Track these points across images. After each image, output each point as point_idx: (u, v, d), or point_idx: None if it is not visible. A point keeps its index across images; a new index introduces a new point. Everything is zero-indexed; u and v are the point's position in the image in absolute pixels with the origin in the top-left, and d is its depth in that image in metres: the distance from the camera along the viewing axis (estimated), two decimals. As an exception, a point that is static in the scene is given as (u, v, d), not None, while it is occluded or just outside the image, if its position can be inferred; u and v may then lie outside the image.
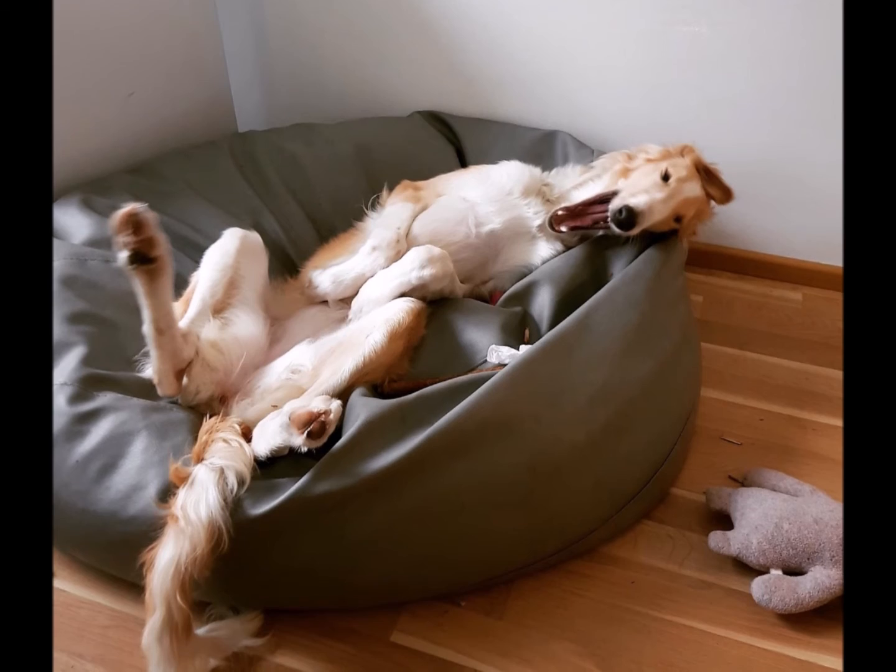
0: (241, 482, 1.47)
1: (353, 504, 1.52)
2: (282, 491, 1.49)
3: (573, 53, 2.66)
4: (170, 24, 2.61)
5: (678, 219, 2.03)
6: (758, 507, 1.75)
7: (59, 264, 1.97)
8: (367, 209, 2.23)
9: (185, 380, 1.69)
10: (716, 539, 1.76)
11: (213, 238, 1.96)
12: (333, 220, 2.46)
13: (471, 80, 2.84)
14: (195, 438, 1.56)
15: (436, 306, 1.99)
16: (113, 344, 1.84)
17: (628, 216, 1.91)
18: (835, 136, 2.46)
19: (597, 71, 2.67)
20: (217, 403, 1.75)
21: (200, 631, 1.48)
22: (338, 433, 1.56)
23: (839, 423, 2.17)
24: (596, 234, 2.10)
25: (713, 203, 2.11)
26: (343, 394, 1.69)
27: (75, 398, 1.66)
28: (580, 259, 2.07)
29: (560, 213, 2.06)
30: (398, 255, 2.00)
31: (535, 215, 2.13)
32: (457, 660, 1.60)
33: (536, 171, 2.24)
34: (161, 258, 1.50)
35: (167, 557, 1.37)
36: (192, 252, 2.11)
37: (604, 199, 2.01)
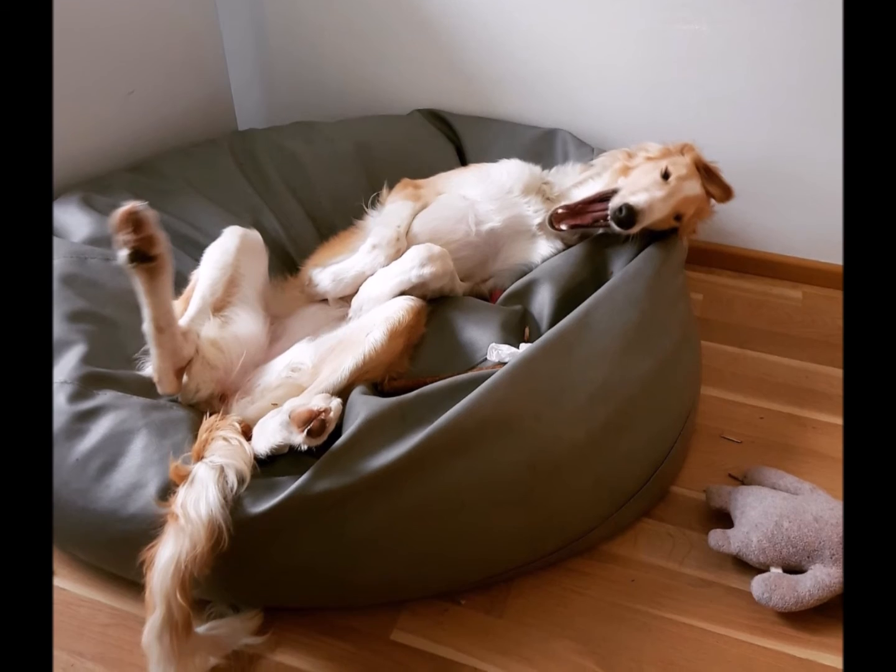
0: (241, 480, 1.47)
1: (353, 502, 1.52)
2: (282, 489, 1.49)
3: (573, 52, 2.66)
4: (170, 23, 2.60)
5: (678, 217, 2.03)
6: (758, 505, 1.75)
7: (59, 263, 1.97)
8: (366, 207, 2.23)
9: (185, 378, 1.69)
10: (716, 537, 1.76)
11: (213, 236, 1.96)
12: (333, 218, 2.46)
13: (471, 79, 2.84)
14: (195, 437, 1.56)
15: (436, 304, 1.98)
16: (113, 342, 1.84)
17: (628, 214, 1.91)
18: (835, 135, 2.46)
19: (597, 69, 2.67)
20: (217, 402, 1.75)
21: (200, 629, 1.48)
22: (338, 431, 1.56)
23: (839, 421, 2.17)
24: (596, 232, 2.10)
25: (713, 201, 2.11)
26: (343, 392, 1.69)
27: (75, 396, 1.66)
28: (580, 257, 2.07)
29: (560, 211, 2.06)
30: (398, 254, 2.00)
31: (535, 213, 2.13)
32: (457, 658, 1.60)
33: (536, 169, 2.24)
34: (161, 256, 1.49)
35: (167, 556, 1.37)
36: (192, 250, 2.11)
37: (604, 198, 2.01)
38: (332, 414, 1.53)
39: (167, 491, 1.49)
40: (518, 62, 2.74)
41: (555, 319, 1.90)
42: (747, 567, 1.74)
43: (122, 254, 1.47)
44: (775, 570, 1.68)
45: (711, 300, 2.69)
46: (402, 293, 1.91)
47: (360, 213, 2.23)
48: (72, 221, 2.18)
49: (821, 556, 1.66)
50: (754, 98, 2.53)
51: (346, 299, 2.00)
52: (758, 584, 1.66)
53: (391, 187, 2.27)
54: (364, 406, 1.60)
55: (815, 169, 2.57)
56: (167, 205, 2.20)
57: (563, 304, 1.95)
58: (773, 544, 1.68)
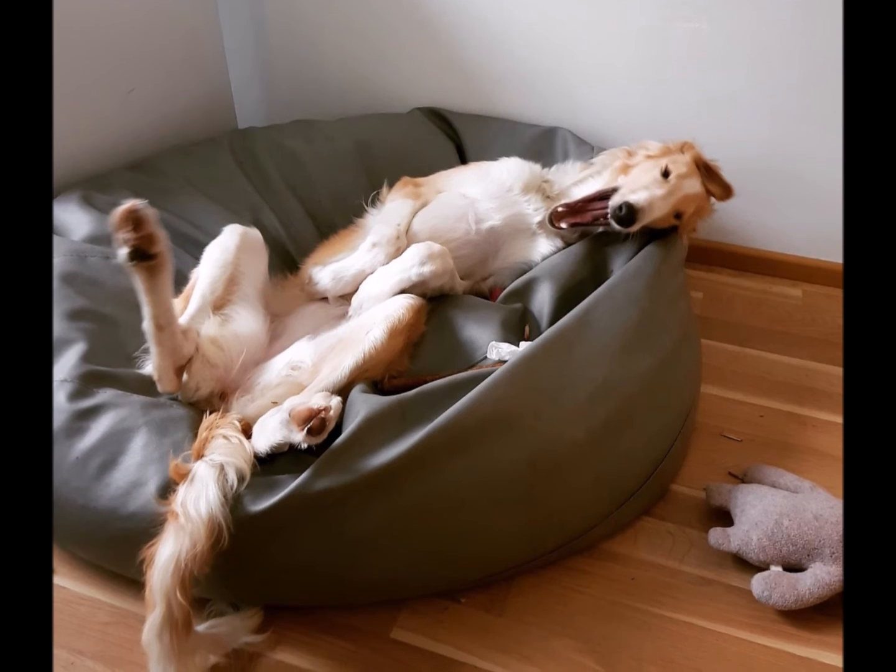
0: (240, 479, 1.47)
1: (353, 500, 1.52)
2: (282, 487, 1.49)
3: (573, 50, 2.66)
4: (170, 21, 2.60)
5: (678, 215, 2.03)
6: (758, 503, 1.75)
7: (59, 261, 1.97)
8: (367, 206, 2.23)
9: (185, 376, 1.69)
10: (716, 535, 1.76)
11: (213, 234, 1.96)
12: (333, 216, 2.46)
13: (471, 77, 2.84)
14: (195, 435, 1.56)
15: (436, 303, 1.98)
16: (113, 340, 1.84)
17: (628, 213, 1.91)
18: (835, 133, 2.46)
19: (597, 67, 2.67)
20: (217, 400, 1.75)
21: (200, 627, 1.48)
22: (338, 430, 1.56)
23: (839, 419, 2.17)
24: (596, 230, 2.10)
25: (713, 200, 2.11)
26: (343, 390, 1.69)
27: (75, 395, 1.66)
28: (580, 256, 2.07)
29: (560, 209, 2.06)
30: (398, 252, 2.00)
31: (535, 212, 2.13)
32: (457, 656, 1.60)
33: (536, 167, 2.24)
34: (161, 255, 1.49)
35: (167, 554, 1.37)
36: (192, 249, 2.11)
37: (604, 196, 2.01)
38: (332, 412, 1.52)
39: (167, 489, 1.49)
40: (518, 60, 2.74)
41: (555, 318, 1.90)
42: (747, 565, 1.73)
43: (122, 252, 1.46)
44: (775, 569, 1.69)
45: (711, 298, 2.69)
46: (402, 291, 1.91)
47: (360, 212, 2.23)
48: (72, 220, 2.18)
49: (821, 554, 1.66)
50: (754, 96, 2.54)
51: (346, 297, 2.00)
52: (758, 583, 1.66)
53: (391, 186, 2.27)
54: (364, 404, 1.60)
55: (815, 167, 2.57)
56: (167, 203, 2.20)
57: (564, 303, 1.95)
58: (773, 542, 1.68)
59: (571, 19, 2.61)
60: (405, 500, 1.55)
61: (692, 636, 1.65)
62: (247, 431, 1.58)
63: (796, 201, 2.67)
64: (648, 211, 1.93)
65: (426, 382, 1.70)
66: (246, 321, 1.82)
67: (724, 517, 1.82)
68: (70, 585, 1.73)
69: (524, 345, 1.82)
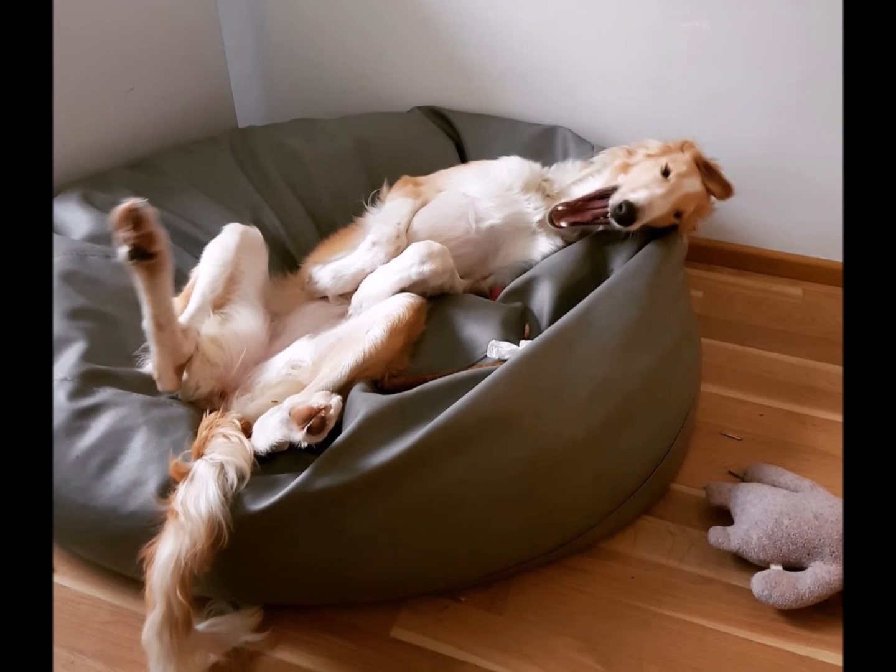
0: (240, 477, 1.47)
1: (353, 499, 1.52)
2: (282, 486, 1.49)
3: (573, 49, 2.66)
4: (170, 20, 2.60)
5: (678, 214, 2.03)
6: (758, 502, 1.75)
7: (59, 260, 1.97)
8: (366, 205, 2.23)
9: (185, 375, 1.69)
10: (716, 534, 1.76)
11: (213, 233, 1.96)
12: (333, 215, 2.46)
13: (471, 76, 2.84)
14: (195, 434, 1.56)
15: (436, 302, 1.98)
16: (113, 339, 1.84)
17: (628, 211, 1.91)
18: (835, 131, 2.46)
19: (597, 66, 2.67)
20: (217, 399, 1.75)
21: (200, 626, 1.48)
22: (338, 429, 1.56)
23: (839, 418, 2.17)
24: (596, 229, 2.10)
25: (713, 198, 2.11)
26: (343, 389, 1.69)
27: (75, 394, 1.66)
28: (580, 254, 2.07)
29: (560, 208, 2.06)
30: (398, 251, 2.00)
31: (535, 211, 2.13)
32: (457, 655, 1.61)
33: (536, 166, 2.24)
34: (161, 254, 1.49)
35: (167, 553, 1.37)
36: (192, 247, 2.11)
37: (604, 195, 2.01)
38: (332, 411, 1.52)
39: (167, 488, 1.49)
40: (518, 59, 2.74)
41: (555, 316, 1.90)
42: (747, 564, 1.73)
43: (122, 251, 1.46)
44: (775, 568, 1.68)
45: (711, 297, 2.69)
46: (402, 290, 1.91)
47: (360, 211, 2.23)
48: (72, 218, 2.18)
49: (821, 553, 1.66)
50: (754, 95, 2.53)
51: (346, 296, 2.00)
52: (758, 582, 1.66)
53: (391, 184, 2.26)
54: (364, 403, 1.60)
55: (816, 166, 2.57)
56: (167, 202, 2.20)
57: (564, 302, 1.95)
58: (773, 541, 1.68)
59: (571, 18, 2.61)
60: (405, 498, 1.55)
61: (692, 635, 1.65)
62: (247, 430, 1.58)
63: (796, 200, 2.67)
64: (648, 210, 1.93)
65: (426, 381, 1.70)
66: (246, 320, 1.82)
67: (724, 516, 1.82)
68: (70, 584, 1.73)
69: (524, 343, 1.82)
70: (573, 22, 2.61)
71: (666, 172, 1.98)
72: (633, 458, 1.81)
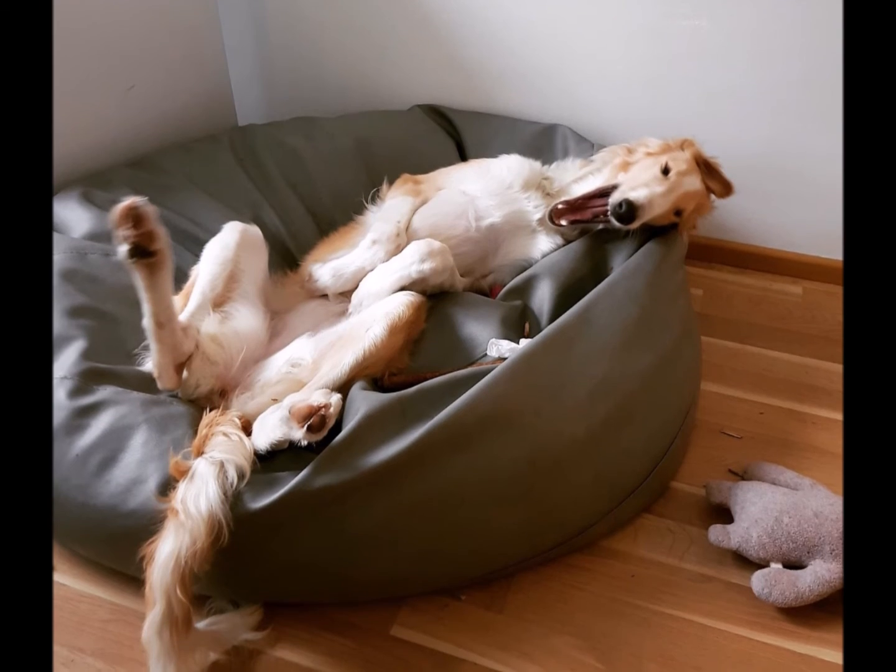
0: (240, 476, 1.47)
1: (353, 498, 1.52)
2: (282, 485, 1.49)
3: (573, 47, 2.66)
4: (170, 18, 2.60)
5: (678, 212, 2.03)
6: (758, 500, 1.75)
7: (59, 258, 1.97)
8: (367, 203, 2.23)
9: (185, 373, 1.69)
10: (716, 533, 1.76)
11: (213, 232, 1.96)
12: (333, 213, 2.46)
13: (471, 74, 2.83)
14: (195, 432, 1.56)
15: (436, 300, 1.99)
16: (113, 338, 1.84)
17: (628, 210, 1.91)
18: (835, 130, 2.46)
19: (597, 64, 2.66)
20: (217, 397, 1.75)
21: (200, 625, 1.48)
22: (338, 427, 1.56)
23: (839, 416, 2.17)
24: (596, 227, 2.10)
25: (713, 197, 2.11)
26: (343, 387, 1.69)
27: (75, 392, 1.66)
28: (580, 253, 2.07)
29: (560, 206, 2.06)
30: (398, 249, 2.00)
31: (535, 209, 2.13)
32: (457, 654, 1.61)
33: (536, 164, 2.24)
34: (161, 252, 1.49)
35: (167, 551, 1.37)
36: (192, 246, 2.11)
37: (604, 193, 2.01)
38: (332, 409, 1.53)
39: (167, 486, 1.49)
40: (518, 58, 2.74)
41: (555, 315, 1.90)
42: (747, 562, 1.74)
43: (122, 249, 1.46)
44: (775, 566, 1.69)
45: (711, 296, 2.69)
46: (402, 289, 1.91)
47: (360, 209, 2.23)
48: (72, 217, 2.17)
49: (821, 551, 1.66)
50: (754, 93, 2.53)
51: (346, 295, 2.00)
52: (758, 580, 1.66)
53: (391, 183, 2.27)
54: (364, 401, 1.60)
55: (816, 164, 2.57)
56: (167, 200, 2.20)
57: (563, 300, 1.95)
58: (773, 540, 1.68)
59: (571, 16, 2.61)
60: (405, 497, 1.55)
61: (692, 633, 1.65)
62: (247, 428, 1.58)
63: (796, 198, 2.67)
64: (648, 208, 1.93)
65: (426, 380, 1.70)
66: (246, 318, 1.82)
67: (724, 514, 1.82)
68: (70, 583, 1.73)
69: (524, 342, 1.82)
70: (573, 20, 2.61)
71: (666, 171, 1.98)
72: (633, 457, 1.81)
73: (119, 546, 1.60)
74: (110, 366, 1.75)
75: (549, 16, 2.63)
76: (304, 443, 1.53)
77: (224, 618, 1.53)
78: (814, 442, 2.09)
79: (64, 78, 2.20)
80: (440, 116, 2.84)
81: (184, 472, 1.46)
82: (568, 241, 2.13)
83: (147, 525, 1.45)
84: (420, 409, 1.59)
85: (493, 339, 1.85)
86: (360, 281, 1.97)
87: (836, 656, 1.61)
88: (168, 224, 1.59)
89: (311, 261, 2.11)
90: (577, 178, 2.18)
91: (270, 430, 1.55)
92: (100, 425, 1.62)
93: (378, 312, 1.82)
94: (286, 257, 2.33)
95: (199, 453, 1.49)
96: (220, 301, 1.81)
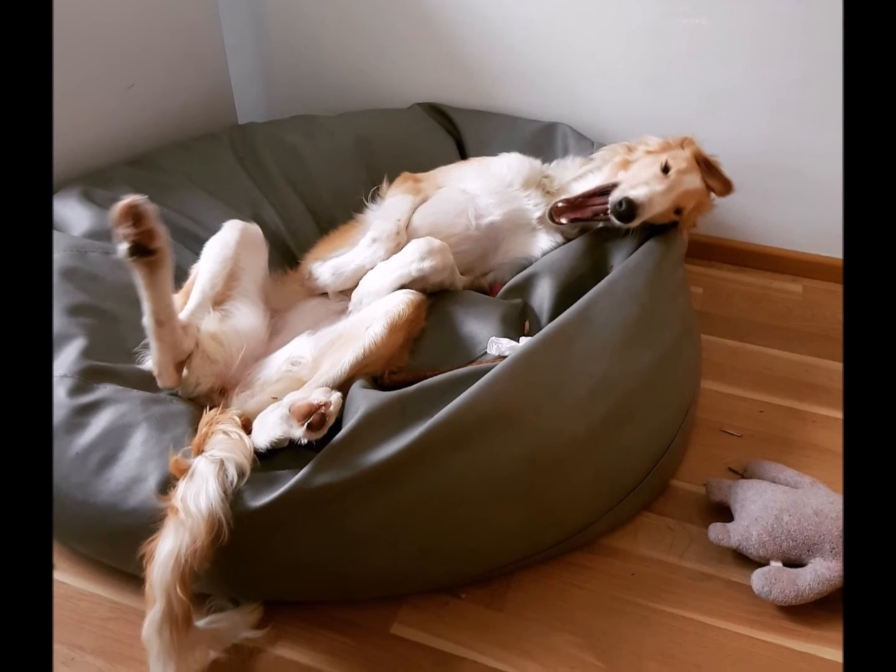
0: (241, 474, 1.47)
1: (354, 496, 1.52)
2: (282, 483, 1.49)
3: (573, 45, 2.66)
4: (170, 16, 2.60)
5: (678, 211, 2.02)
6: (758, 498, 1.75)
7: (59, 256, 1.97)
8: (367, 201, 2.23)
9: (185, 372, 1.69)
10: (716, 531, 1.76)
11: (213, 230, 1.96)
12: (333, 211, 2.46)
13: (471, 72, 2.83)
14: (195, 430, 1.56)
15: (436, 298, 1.99)
16: (113, 336, 1.84)
17: (628, 208, 1.91)
18: (835, 128, 2.46)
19: (597, 63, 2.66)
20: (217, 395, 1.75)
21: (200, 623, 1.48)
22: (338, 425, 1.56)
23: (839, 415, 2.17)
24: (596, 226, 2.09)
25: (713, 195, 2.11)
26: (343, 385, 1.69)
27: (75, 390, 1.66)
28: (580, 251, 2.07)
29: (560, 204, 2.05)
30: (398, 247, 2.00)
31: (535, 207, 2.13)
32: (457, 652, 1.61)
33: (536, 162, 2.24)
34: (161, 250, 1.49)
35: (167, 549, 1.37)
36: (192, 244, 2.11)
37: (604, 191, 2.01)
38: (332, 408, 1.53)
39: (167, 485, 1.49)
40: (518, 56, 2.74)
41: (555, 313, 1.90)
42: (747, 561, 1.74)
43: (122, 247, 1.46)
44: (775, 564, 1.69)
45: (711, 294, 2.69)
46: (402, 287, 1.91)
47: (360, 207, 2.23)
48: (72, 215, 2.17)
49: (821, 549, 1.66)
50: (755, 92, 2.53)
51: (346, 293, 2.00)
52: (758, 578, 1.66)
53: (391, 181, 2.26)
54: (364, 400, 1.60)
55: (816, 162, 2.57)
56: (167, 198, 2.20)
57: (563, 298, 1.95)
58: (773, 538, 1.68)
59: (571, 15, 2.60)
60: (405, 495, 1.55)
61: (692, 631, 1.65)
62: (247, 427, 1.58)
63: (796, 197, 2.67)
64: (648, 206, 1.93)
65: (426, 378, 1.71)
66: (246, 317, 1.82)
67: (724, 513, 1.82)
68: (70, 581, 1.73)
69: (524, 340, 1.82)
70: (573, 19, 2.61)
71: (666, 169, 1.98)
72: (633, 455, 1.81)
73: (119, 544, 1.60)
74: (110, 364, 1.75)
75: (549, 14, 2.63)
76: (304, 441, 1.53)
77: (224, 616, 1.53)
78: (814, 440, 2.09)
79: (64, 76, 2.20)
80: (440, 115, 2.84)
81: (184, 471, 1.46)
82: (568, 240, 2.13)
83: (147, 523, 1.45)
84: (420, 407, 1.59)
85: (493, 338, 1.85)
86: (360, 279, 1.97)
87: (836, 654, 1.61)
88: (168, 222, 1.60)
89: (311, 259, 2.11)
90: (577, 177, 2.18)
91: (270, 428, 1.55)
92: (100, 423, 1.62)
93: (378, 311, 1.82)
94: (286, 255, 2.33)
95: (199, 451, 1.49)
96: (220, 299, 1.81)
